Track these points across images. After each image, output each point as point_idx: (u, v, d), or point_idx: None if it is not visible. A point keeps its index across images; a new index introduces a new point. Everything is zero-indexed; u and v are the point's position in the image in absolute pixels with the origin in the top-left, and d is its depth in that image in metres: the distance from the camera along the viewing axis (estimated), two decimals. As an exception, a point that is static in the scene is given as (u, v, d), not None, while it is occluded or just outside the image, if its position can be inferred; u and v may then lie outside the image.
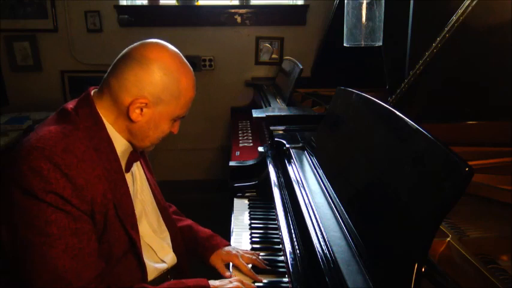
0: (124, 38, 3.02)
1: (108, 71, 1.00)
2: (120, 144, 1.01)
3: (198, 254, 1.24)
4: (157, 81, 0.96)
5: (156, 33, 3.05)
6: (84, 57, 3.10)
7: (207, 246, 1.22)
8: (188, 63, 1.04)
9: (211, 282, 1.05)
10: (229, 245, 1.25)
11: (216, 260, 1.20)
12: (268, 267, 1.16)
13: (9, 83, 3.07)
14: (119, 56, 1.00)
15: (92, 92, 1.02)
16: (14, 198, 0.85)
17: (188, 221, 1.34)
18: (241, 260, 1.16)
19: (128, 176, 1.05)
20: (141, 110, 0.97)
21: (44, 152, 0.85)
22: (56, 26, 3.03)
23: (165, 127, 1.04)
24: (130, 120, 0.98)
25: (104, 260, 0.94)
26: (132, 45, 1.01)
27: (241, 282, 1.06)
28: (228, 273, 1.15)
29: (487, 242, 0.91)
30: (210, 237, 1.25)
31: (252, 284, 1.08)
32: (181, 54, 1.04)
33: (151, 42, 1.01)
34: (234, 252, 1.19)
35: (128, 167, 1.05)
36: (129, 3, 3.11)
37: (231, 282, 1.06)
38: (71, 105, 0.99)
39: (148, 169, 1.22)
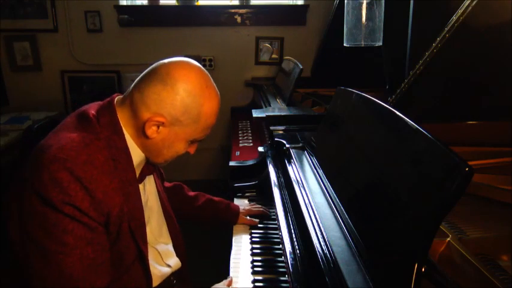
0: (124, 38, 3.02)
1: (135, 82, 0.99)
2: (137, 156, 1.01)
3: (222, 221, 1.45)
4: (178, 102, 0.94)
5: (156, 33, 3.08)
6: (84, 57, 3.10)
7: (231, 214, 1.45)
8: (215, 88, 1.02)
9: None
10: (238, 205, 1.49)
11: (241, 219, 1.45)
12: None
13: (9, 83, 3.08)
14: (147, 69, 0.99)
15: (116, 100, 1.01)
16: (32, 205, 0.84)
17: (204, 197, 1.46)
18: (253, 208, 1.49)
19: (140, 186, 1.05)
20: (158, 127, 0.96)
21: (65, 164, 0.85)
22: (56, 26, 3.03)
23: (181, 147, 1.03)
24: (146, 136, 0.97)
25: (113, 268, 0.94)
26: (162, 61, 0.99)
27: None
28: (256, 220, 1.44)
29: (487, 242, 0.91)
30: (228, 206, 1.46)
31: None
32: (209, 77, 1.01)
33: (181, 61, 0.99)
34: (247, 208, 1.49)
35: (141, 179, 1.06)
36: (129, 3, 3.11)
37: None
38: (92, 110, 0.98)
39: (158, 176, 1.23)
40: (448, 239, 0.90)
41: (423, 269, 0.66)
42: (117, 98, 1.02)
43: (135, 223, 0.98)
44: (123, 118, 0.98)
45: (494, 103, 1.37)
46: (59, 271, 0.84)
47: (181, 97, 0.94)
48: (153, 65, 0.99)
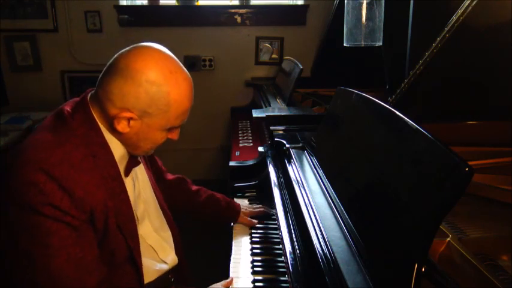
0: (124, 38, 3.02)
1: (99, 77, 0.95)
2: (118, 150, 0.99)
3: (223, 219, 1.44)
4: (143, 95, 0.90)
5: (156, 33, 3.07)
6: (84, 57, 3.09)
7: (232, 213, 1.43)
8: (183, 71, 0.97)
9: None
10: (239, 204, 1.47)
11: (242, 218, 1.43)
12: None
13: (9, 83, 3.07)
14: (108, 63, 0.95)
15: (90, 95, 0.99)
16: (10, 211, 0.83)
17: (206, 193, 1.44)
18: (254, 210, 1.47)
19: (128, 180, 1.03)
20: (128, 121, 0.94)
21: (40, 165, 0.83)
22: (56, 26, 3.02)
23: (158, 137, 1.00)
24: (118, 132, 0.95)
25: (105, 265, 0.93)
26: (120, 52, 0.95)
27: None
28: (255, 221, 1.42)
29: (487, 242, 0.91)
30: (229, 204, 1.44)
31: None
32: (174, 60, 0.96)
33: (139, 49, 0.94)
34: (249, 209, 1.46)
35: (127, 172, 1.03)
36: (129, 3, 3.11)
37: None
38: (68, 107, 0.96)
39: (150, 167, 1.21)
40: (448, 239, 0.90)
41: (423, 269, 0.66)
42: (91, 93, 0.99)
43: (122, 218, 0.96)
44: (96, 113, 0.96)
45: (494, 103, 1.37)
46: (48, 275, 0.83)
47: (145, 89, 0.90)
48: (113, 58, 0.94)
